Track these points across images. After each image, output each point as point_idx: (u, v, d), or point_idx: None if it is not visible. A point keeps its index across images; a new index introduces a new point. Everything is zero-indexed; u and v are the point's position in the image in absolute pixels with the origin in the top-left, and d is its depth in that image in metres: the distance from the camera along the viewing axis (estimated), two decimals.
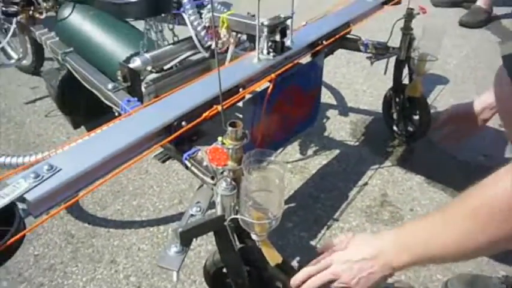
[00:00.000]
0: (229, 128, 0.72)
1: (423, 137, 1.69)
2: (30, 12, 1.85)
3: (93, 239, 1.39)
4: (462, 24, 2.84)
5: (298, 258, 1.30)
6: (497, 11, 2.96)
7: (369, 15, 1.57)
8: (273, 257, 0.80)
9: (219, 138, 0.74)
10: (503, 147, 1.71)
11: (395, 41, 1.49)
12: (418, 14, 1.48)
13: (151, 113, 0.96)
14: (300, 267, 1.19)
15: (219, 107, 0.93)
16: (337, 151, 1.73)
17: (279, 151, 1.71)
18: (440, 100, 2.03)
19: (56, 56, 1.55)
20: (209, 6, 1.39)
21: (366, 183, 1.57)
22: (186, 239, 0.78)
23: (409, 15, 1.45)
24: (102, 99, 1.27)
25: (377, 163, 1.66)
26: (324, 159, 1.69)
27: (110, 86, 1.24)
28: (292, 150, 1.74)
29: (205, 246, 1.34)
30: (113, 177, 0.82)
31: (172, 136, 0.90)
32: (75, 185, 0.77)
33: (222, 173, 0.78)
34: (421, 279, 1.22)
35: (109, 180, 0.81)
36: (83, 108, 1.62)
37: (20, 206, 0.70)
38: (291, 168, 1.64)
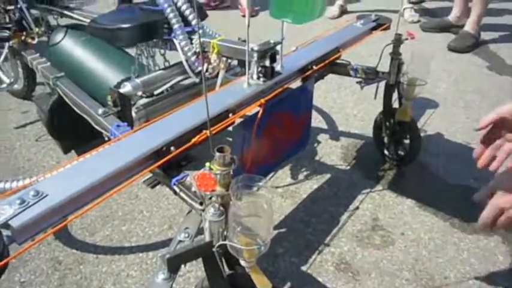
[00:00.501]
0: (217, 154, 0.72)
1: (414, 160, 1.69)
2: (23, 37, 1.86)
3: (81, 266, 1.36)
4: (451, 49, 2.89)
5: (289, 284, 1.28)
6: (485, 36, 3.02)
7: (358, 40, 1.59)
8: (262, 283, 0.79)
9: (207, 164, 0.74)
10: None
11: (384, 66, 1.51)
12: (407, 39, 1.50)
13: (140, 138, 0.96)
14: None
15: (208, 132, 0.93)
16: (328, 175, 1.73)
17: (269, 176, 1.70)
18: (431, 124, 2.04)
19: (47, 80, 1.55)
20: (200, 31, 1.41)
21: (357, 208, 1.56)
22: (173, 265, 0.77)
23: (398, 41, 1.47)
24: (92, 124, 1.27)
25: (368, 187, 1.66)
26: (315, 183, 1.69)
27: (100, 111, 1.24)
28: (283, 174, 1.74)
29: (195, 273, 1.32)
30: (101, 203, 0.82)
31: (161, 161, 0.89)
32: (62, 210, 0.76)
33: (210, 198, 0.78)
34: None
35: (98, 205, 0.81)
36: (73, 133, 1.62)
37: (4, 232, 0.69)
38: (281, 193, 1.64)
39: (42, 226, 0.73)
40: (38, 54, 1.76)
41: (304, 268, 1.33)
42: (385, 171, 1.74)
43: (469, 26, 2.93)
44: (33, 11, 1.92)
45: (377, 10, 2.62)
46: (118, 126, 1.15)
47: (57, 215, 0.75)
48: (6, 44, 1.86)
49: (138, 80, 1.32)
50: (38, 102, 1.64)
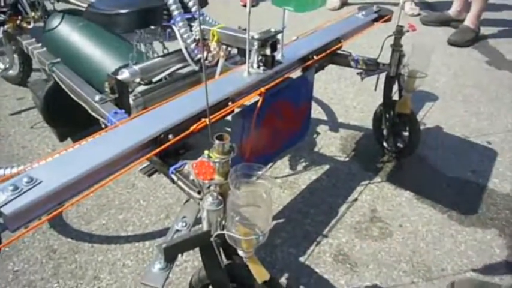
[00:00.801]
0: (216, 141, 0.71)
1: (413, 153, 1.69)
2: (18, 22, 1.82)
3: (76, 255, 1.35)
4: (450, 43, 2.88)
5: (286, 275, 1.27)
6: (484, 31, 3.01)
7: (359, 31, 1.57)
8: (260, 273, 0.78)
9: (206, 152, 0.72)
10: (490, 163, 1.72)
11: (385, 58, 1.49)
12: (408, 31, 1.48)
13: (138, 125, 0.94)
14: (288, 285, 1.17)
15: (207, 120, 0.91)
16: (327, 166, 1.72)
17: (268, 166, 1.69)
18: (430, 117, 2.04)
19: (43, 66, 1.53)
20: (200, 18, 1.39)
21: (355, 199, 1.56)
22: (170, 255, 0.75)
23: (399, 32, 1.46)
24: (89, 111, 1.25)
25: (367, 179, 1.65)
26: (314, 174, 1.68)
27: (97, 97, 1.22)
28: (281, 165, 1.73)
29: (192, 262, 1.31)
30: (97, 190, 0.80)
31: (159, 149, 0.88)
32: (56, 198, 0.74)
33: (208, 187, 0.76)
34: None
35: (94, 193, 0.79)
36: (69, 120, 1.59)
37: None
38: (280, 184, 1.63)
39: (35, 213, 0.72)
40: (33, 39, 1.73)
41: (302, 259, 1.32)
42: (383, 163, 1.73)
43: (469, 21, 2.92)
44: None
45: (377, 3, 2.60)
46: (115, 113, 1.13)
47: (52, 202, 0.74)
48: (1, 29, 1.83)
49: (136, 67, 1.31)
50: (34, 88, 1.61)
